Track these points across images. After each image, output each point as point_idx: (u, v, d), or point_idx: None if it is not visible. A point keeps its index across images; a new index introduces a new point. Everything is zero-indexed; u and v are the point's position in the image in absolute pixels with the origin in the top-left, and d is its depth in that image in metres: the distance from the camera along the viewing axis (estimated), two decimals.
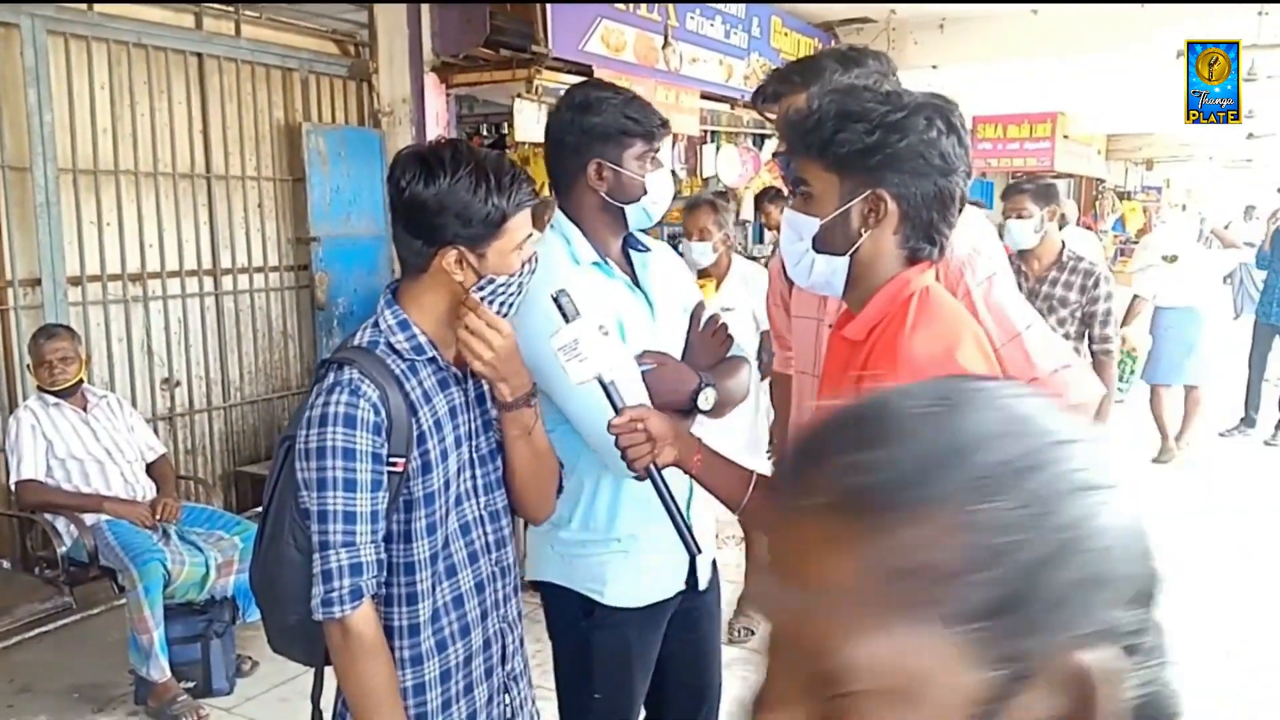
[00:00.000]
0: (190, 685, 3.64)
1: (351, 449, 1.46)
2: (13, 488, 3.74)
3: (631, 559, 1.99)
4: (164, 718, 3.52)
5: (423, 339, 1.58)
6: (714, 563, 2.21)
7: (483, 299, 1.57)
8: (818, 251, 1.47)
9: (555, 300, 1.64)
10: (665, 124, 2.00)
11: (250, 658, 3.95)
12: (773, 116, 2.00)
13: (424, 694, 1.59)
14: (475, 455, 1.66)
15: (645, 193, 1.98)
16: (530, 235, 1.65)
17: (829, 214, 1.44)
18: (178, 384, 5.05)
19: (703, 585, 2.11)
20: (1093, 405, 1.93)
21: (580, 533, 1.98)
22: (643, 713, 2.18)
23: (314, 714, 1.65)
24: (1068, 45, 7.86)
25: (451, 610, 1.62)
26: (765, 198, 6.51)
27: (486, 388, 1.69)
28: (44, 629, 3.66)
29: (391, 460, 1.50)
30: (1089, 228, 18.60)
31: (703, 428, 1.97)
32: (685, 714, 2.24)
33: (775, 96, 1.98)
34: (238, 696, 3.74)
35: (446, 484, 1.59)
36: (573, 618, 2.00)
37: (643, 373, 1.90)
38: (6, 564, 4.21)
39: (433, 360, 1.60)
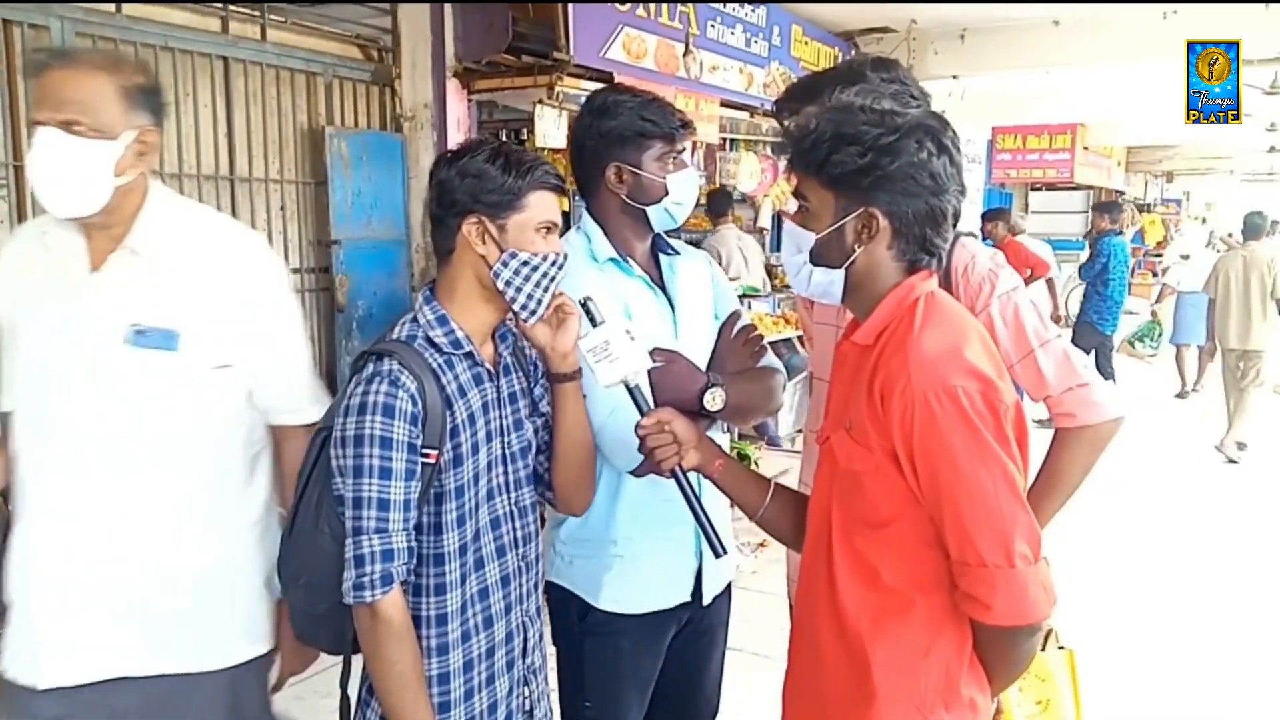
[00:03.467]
0: None
1: (389, 438, 1.49)
2: None
3: (628, 564, 1.99)
4: None
5: (460, 334, 1.62)
6: (729, 586, 2.18)
7: (508, 279, 1.60)
8: (814, 264, 1.54)
9: (583, 305, 1.67)
10: (686, 125, 2.02)
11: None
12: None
13: (448, 683, 1.61)
14: (506, 451, 1.69)
15: (666, 194, 2.00)
16: (555, 224, 1.67)
17: (824, 229, 1.51)
18: None
19: (706, 599, 2.08)
20: (1109, 429, 1.83)
21: (578, 533, 1.99)
22: None
23: (342, 699, 1.67)
24: (1089, 56, 7.85)
25: (478, 602, 1.65)
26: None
27: (519, 386, 1.71)
28: None
29: (425, 451, 1.53)
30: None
31: None
32: None
33: (789, 113, 2.03)
34: None
35: (476, 477, 1.62)
36: (569, 620, 2.00)
37: (650, 370, 1.92)
38: None
39: (469, 355, 1.63)
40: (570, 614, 2.01)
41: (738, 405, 2.00)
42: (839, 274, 1.52)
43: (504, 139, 8.27)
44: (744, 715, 2.59)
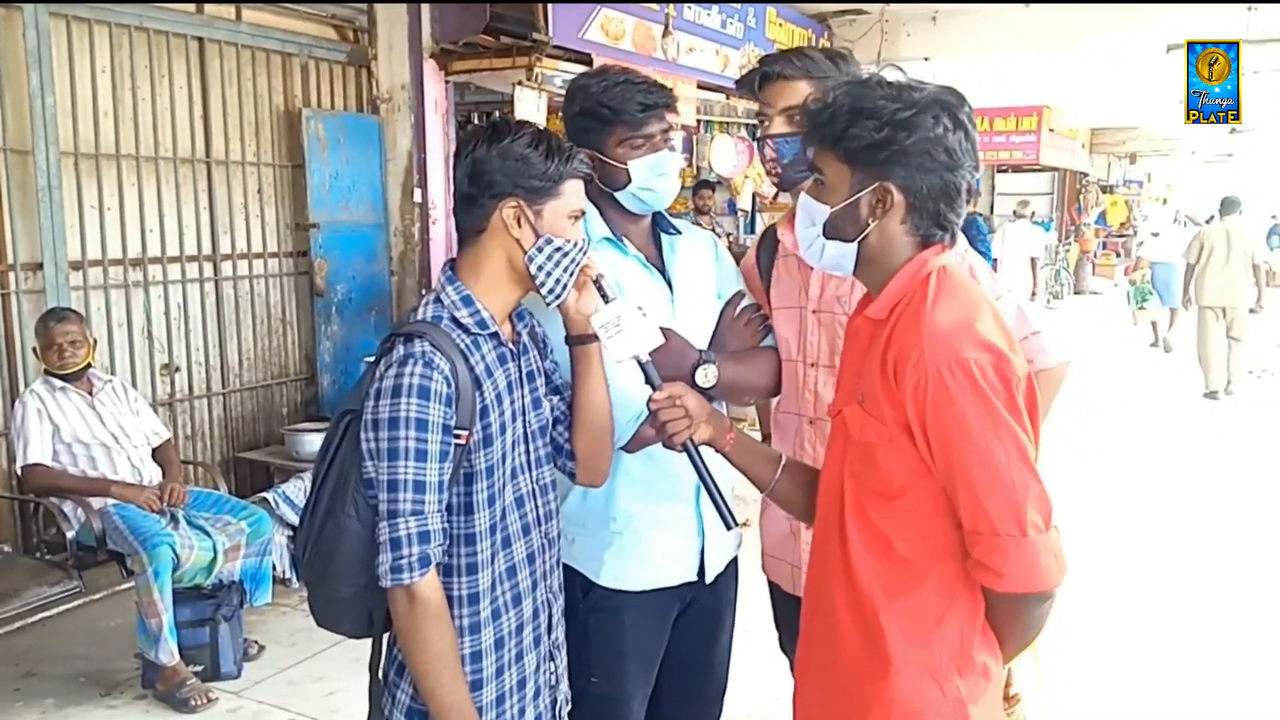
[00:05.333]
0: (198, 669, 3.66)
1: (425, 420, 1.49)
2: (19, 472, 3.73)
3: (628, 541, 2.00)
4: (172, 701, 3.54)
5: (486, 314, 1.62)
6: (735, 560, 2.20)
7: (541, 264, 1.61)
8: (827, 238, 1.55)
9: (595, 282, 1.69)
10: (650, 107, 1.97)
11: (258, 642, 3.97)
12: (763, 102, 2.07)
13: (480, 661, 1.62)
14: (527, 430, 1.70)
15: (630, 179, 1.99)
16: (583, 211, 1.69)
17: (839, 203, 1.52)
18: (177, 369, 5.04)
19: (709, 577, 2.09)
20: (1060, 371, 2.05)
21: (579, 510, 1.99)
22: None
23: (372, 682, 1.68)
24: (1058, 38, 7.93)
25: (505, 580, 1.66)
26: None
27: (536, 365, 1.73)
28: (51, 613, 3.64)
29: (457, 432, 1.53)
30: (1073, 221, 18.81)
31: None
32: (683, 714, 2.22)
33: (776, 77, 2.04)
34: (246, 680, 3.76)
35: (504, 457, 1.63)
36: (574, 597, 2.00)
37: None
38: (8, 548, 4.21)
39: (494, 335, 1.63)
40: (575, 591, 2.02)
41: (732, 382, 2.01)
42: (852, 247, 1.53)
43: (475, 121, 8.23)
44: (741, 689, 2.62)
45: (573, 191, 1.65)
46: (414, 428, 1.49)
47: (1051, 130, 14.55)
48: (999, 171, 17.66)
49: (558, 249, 1.62)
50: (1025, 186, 17.63)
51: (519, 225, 1.61)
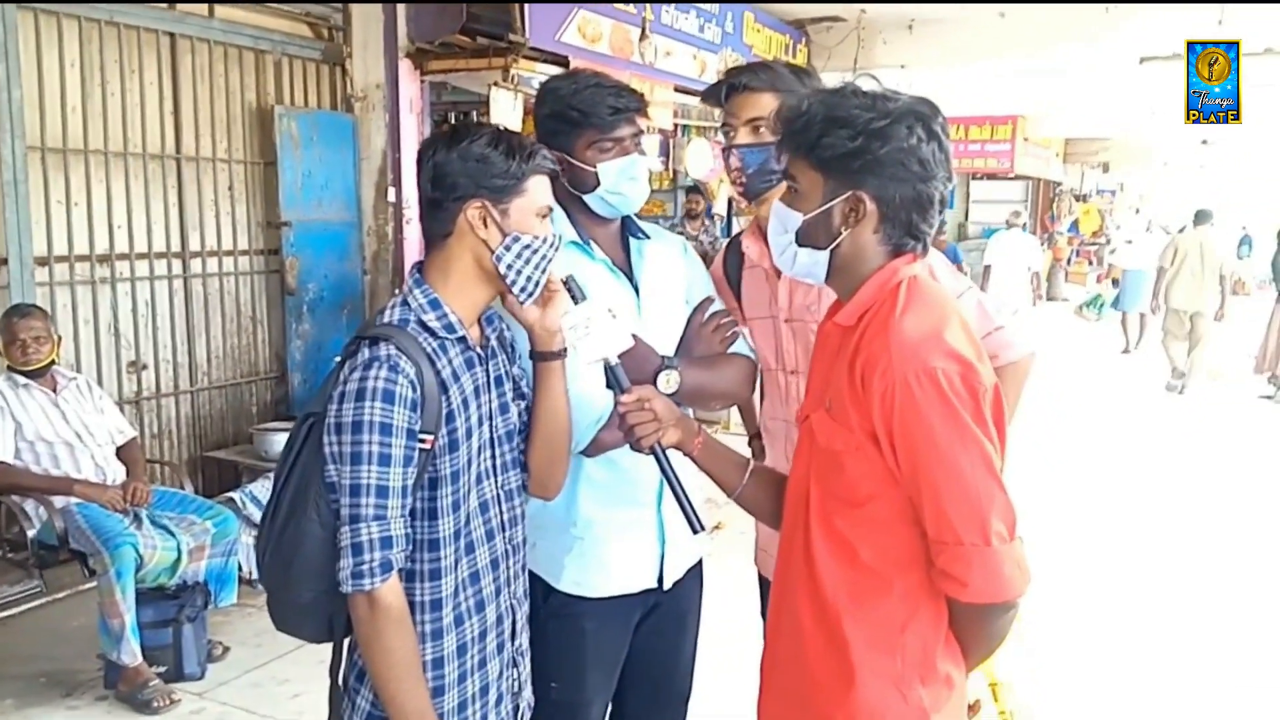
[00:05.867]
0: (161, 670, 3.62)
1: (389, 424, 1.47)
2: None
3: (588, 547, 1.99)
4: (135, 702, 3.50)
5: (454, 318, 1.61)
6: (700, 563, 2.19)
7: (510, 263, 1.60)
8: (799, 245, 1.55)
9: (565, 283, 1.68)
10: (620, 110, 1.96)
11: (222, 643, 3.93)
12: (728, 112, 2.08)
13: (442, 667, 1.60)
14: (494, 435, 1.69)
15: (598, 183, 1.98)
16: (551, 208, 1.68)
17: (812, 210, 1.52)
18: (144, 367, 4.99)
19: (667, 584, 2.08)
20: (1026, 363, 2.08)
21: (540, 515, 1.97)
22: (609, 708, 2.16)
23: (332, 687, 1.66)
24: (1033, 48, 8.00)
25: (469, 586, 1.64)
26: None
27: (504, 370, 1.72)
28: (11, 612, 3.60)
29: (422, 436, 1.52)
30: (1045, 229, 18.97)
31: None
32: (647, 719, 2.22)
33: (743, 88, 2.05)
34: (210, 681, 3.72)
35: (469, 462, 1.61)
36: (534, 602, 1.98)
37: None
38: None
39: (462, 339, 1.62)
40: (535, 595, 2.01)
41: (696, 389, 1.99)
42: (824, 255, 1.53)
43: (451, 120, 8.20)
44: (710, 692, 2.62)
45: (538, 188, 1.64)
46: (377, 432, 1.47)
47: (1026, 139, 14.65)
48: (974, 179, 17.77)
49: (526, 246, 1.61)
50: (1000, 194, 17.75)
51: (485, 226, 1.60)
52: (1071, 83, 10.48)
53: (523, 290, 1.63)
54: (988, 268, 11.29)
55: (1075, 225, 20.02)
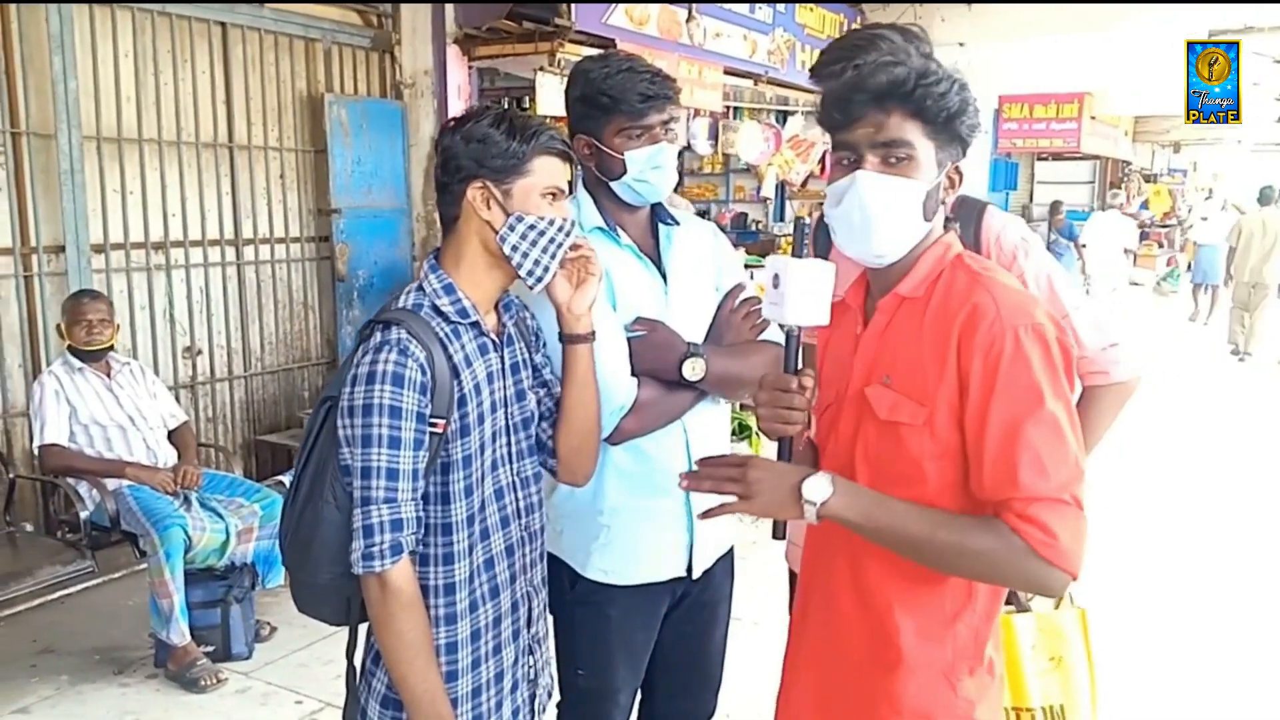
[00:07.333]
0: (210, 650, 3.69)
1: (398, 407, 1.48)
2: (36, 452, 3.78)
3: (615, 535, 1.98)
4: (183, 681, 3.57)
5: (467, 303, 1.60)
6: (731, 552, 2.17)
7: (515, 244, 1.58)
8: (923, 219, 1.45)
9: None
10: (651, 98, 1.91)
11: (269, 623, 4.00)
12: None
13: (455, 652, 1.61)
14: (509, 422, 1.68)
15: (625, 170, 1.94)
16: (561, 189, 1.64)
17: (931, 180, 1.43)
18: (199, 352, 5.09)
19: (696, 573, 2.05)
20: (1133, 384, 2.00)
21: (568, 502, 1.97)
22: (638, 697, 2.15)
23: (349, 669, 1.67)
24: (1096, 23, 7.76)
25: (484, 572, 1.64)
26: None
27: (521, 357, 1.70)
28: (66, 591, 3.69)
29: (433, 421, 1.52)
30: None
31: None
32: (677, 708, 2.20)
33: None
34: (256, 661, 3.79)
35: (482, 447, 1.61)
36: (561, 589, 1.99)
37: (632, 339, 1.89)
38: (29, 527, 4.26)
39: (475, 325, 1.61)
40: (562, 582, 2.01)
41: (721, 376, 1.96)
42: (925, 228, 1.45)
43: (505, 107, 8.22)
44: (742, 683, 2.60)
45: (544, 168, 1.60)
46: (387, 414, 1.48)
47: (1093, 118, 14.22)
48: (1039, 159, 17.34)
49: (531, 227, 1.59)
50: (1065, 175, 17.31)
51: (488, 207, 1.58)
52: (1138, 59, 10.15)
53: (530, 274, 1.60)
54: (1083, 246, 11.69)
55: (1145, 205, 19.46)
